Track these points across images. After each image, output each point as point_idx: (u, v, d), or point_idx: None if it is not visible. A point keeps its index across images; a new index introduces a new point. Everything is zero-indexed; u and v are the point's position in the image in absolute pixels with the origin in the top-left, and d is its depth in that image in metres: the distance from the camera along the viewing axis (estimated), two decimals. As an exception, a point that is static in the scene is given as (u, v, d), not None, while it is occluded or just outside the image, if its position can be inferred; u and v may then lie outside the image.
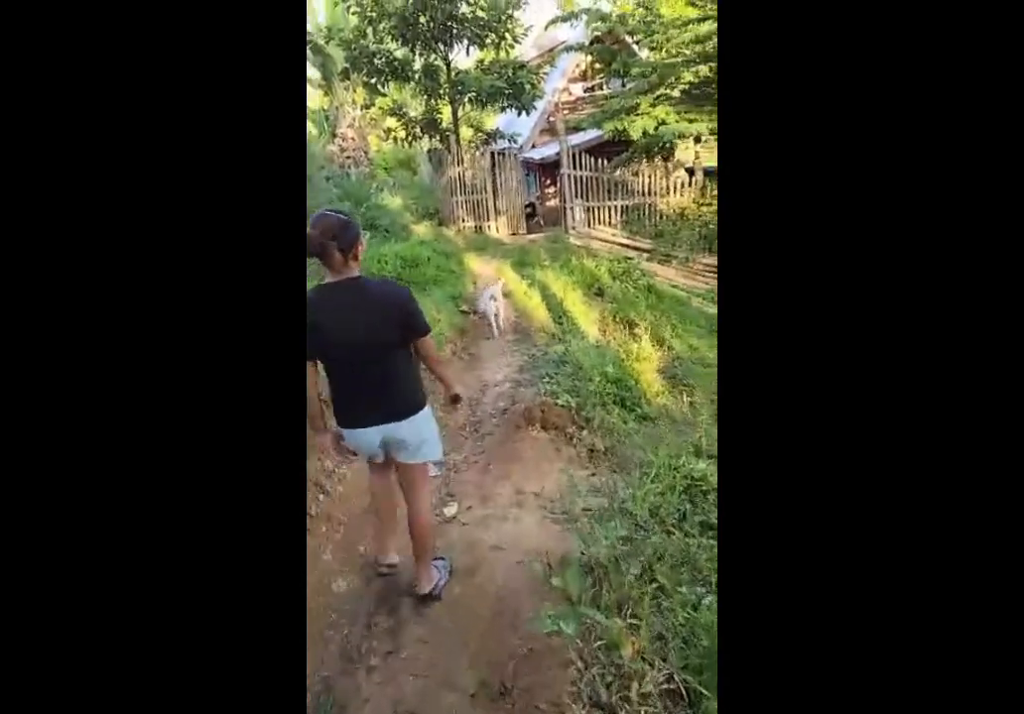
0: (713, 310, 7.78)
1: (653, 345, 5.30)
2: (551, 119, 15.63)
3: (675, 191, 9.62)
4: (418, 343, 1.96)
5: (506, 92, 9.70)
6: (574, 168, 9.78)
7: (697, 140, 11.91)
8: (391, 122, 11.47)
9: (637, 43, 9.17)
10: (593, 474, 3.19)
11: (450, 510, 2.96)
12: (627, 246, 9.21)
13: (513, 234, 10.74)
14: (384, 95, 11.78)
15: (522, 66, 9.90)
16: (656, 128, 8.34)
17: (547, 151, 14.33)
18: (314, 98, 16.10)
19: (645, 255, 9.04)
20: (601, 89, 14.68)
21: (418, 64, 10.41)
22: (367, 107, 14.40)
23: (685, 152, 12.32)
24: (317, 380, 1.97)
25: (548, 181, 16.03)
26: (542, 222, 13.79)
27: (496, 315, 5.76)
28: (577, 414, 3.72)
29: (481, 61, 10.46)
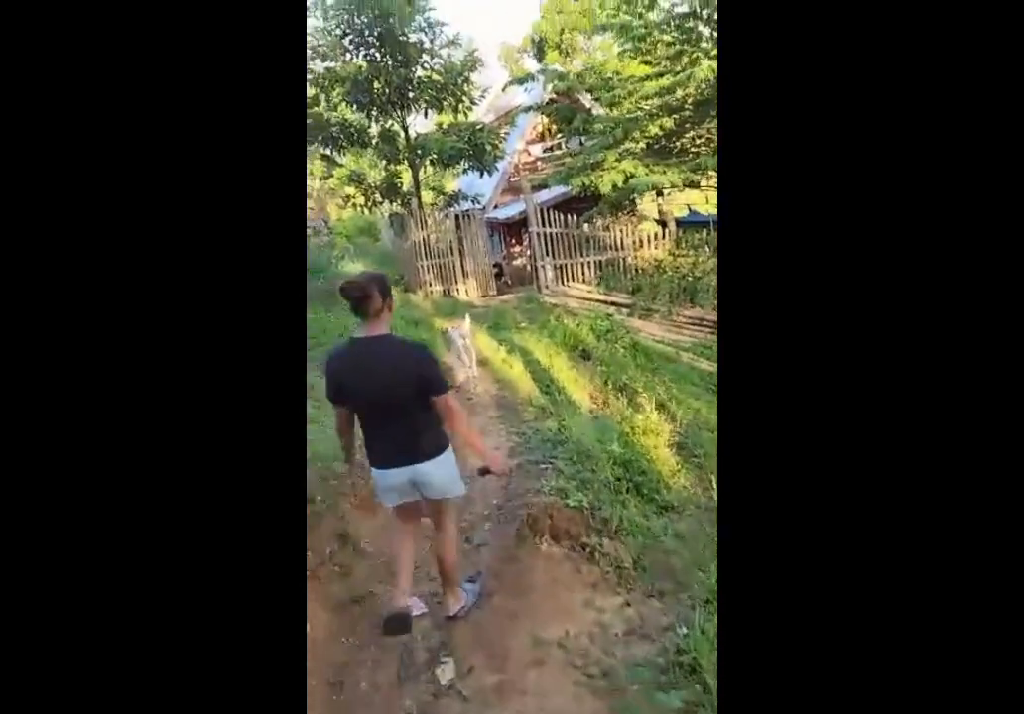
0: (705, 365, 7.29)
1: (655, 412, 4.68)
2: (512, 179, 15.61)
3: (648, 243, 9.30)
4: (435, 401, 2.07)
5: (467, 153, 9.43)
6: (542, 226, 9.43)
7: (659, 193, 11.88)
8: (350, 190, 11.08)
9: (597, 100, 9.05)
10: (627, 603, 2.47)
11: (445, 674, 2.19)
12: (605, 302, 8.76)
13: (483, 296, 10.25)
14: (341, 165, 11.46)
15: (482, 127, 9.70)
16: (625, 181, 8.07)
17: (510, 211, 14.14)
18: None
19: (625, 311, 8.59)
20: (560, 148, 14.75)
21: (375, 129, 10.15)
22: (325, 178, 14.20)
23: (652, 204, 12.22)
24: (346, 423, 2.19)
25: (513, 241, 15.81)
26: (509, 282, 13.43)
27: (468, 351, 5.58)
28: (592, 515, 3.03)
29: (440, 124, 10.26)
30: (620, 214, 9.46)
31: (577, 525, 2.95)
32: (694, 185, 11.46)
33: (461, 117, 10.11)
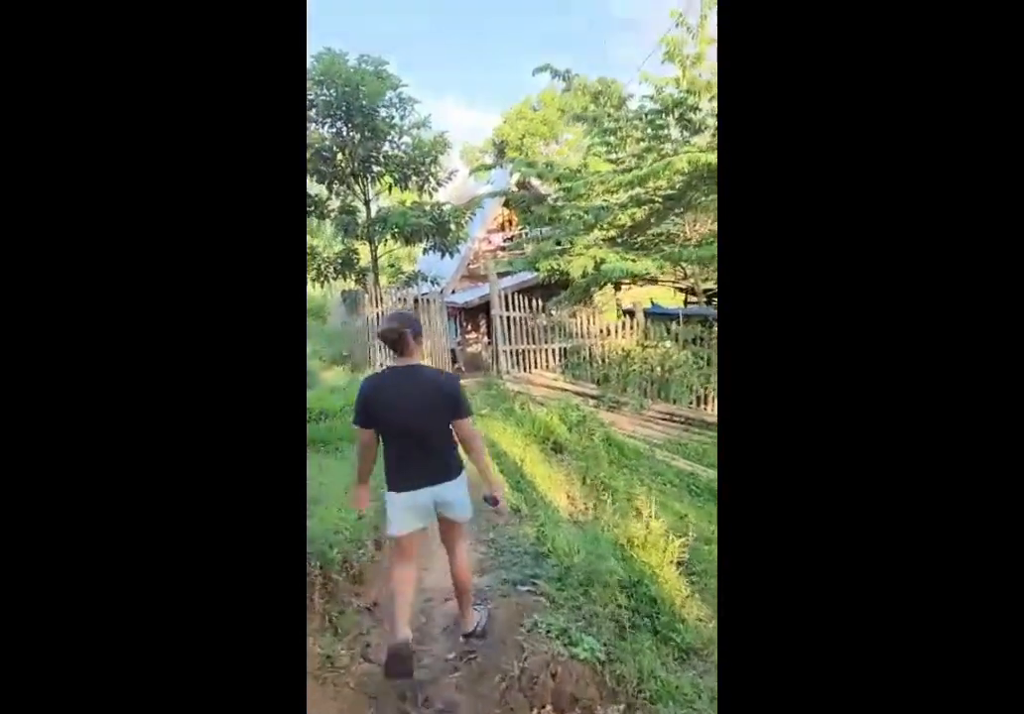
0: (680, 464, 6.64)
1: (655, 520, 3.91)
2: (471, 266, 15.44)
3: (616, 333, 8.91)
4: (457, 424, 2.31)
5: (431, 231, 9.05)
6: (506, 309, 8.96)
7: (617, 287, 11.80)
8: (301, 262, 10.46)
9: (565, 190, 8.96)
10: None
11: None
12: (571, 392, 8.15)
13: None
14: None
15: (446, 205, 9.41)
16: (596, 267, 7.76)
17: (468, 296, 13.80)
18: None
19: (592, 401, 7.99)
20: (521, 238, 14.78)
21: (335, 203, 9.73)
22: None
23: (610, 297, 12.08)
24: (372, 445, 2.35)
25: (469, 326, 15.37)
26: (463, 368, 12.84)
27: None
28: (605, 673, 2.17)
29: (403, 202, 9.95)
30: (587, 302, 9.10)
31: (587, 688, 2.08)
32: (652, 280, 11.46)
33: (426, 197, 9.85)
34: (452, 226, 9.38)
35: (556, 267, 8.08)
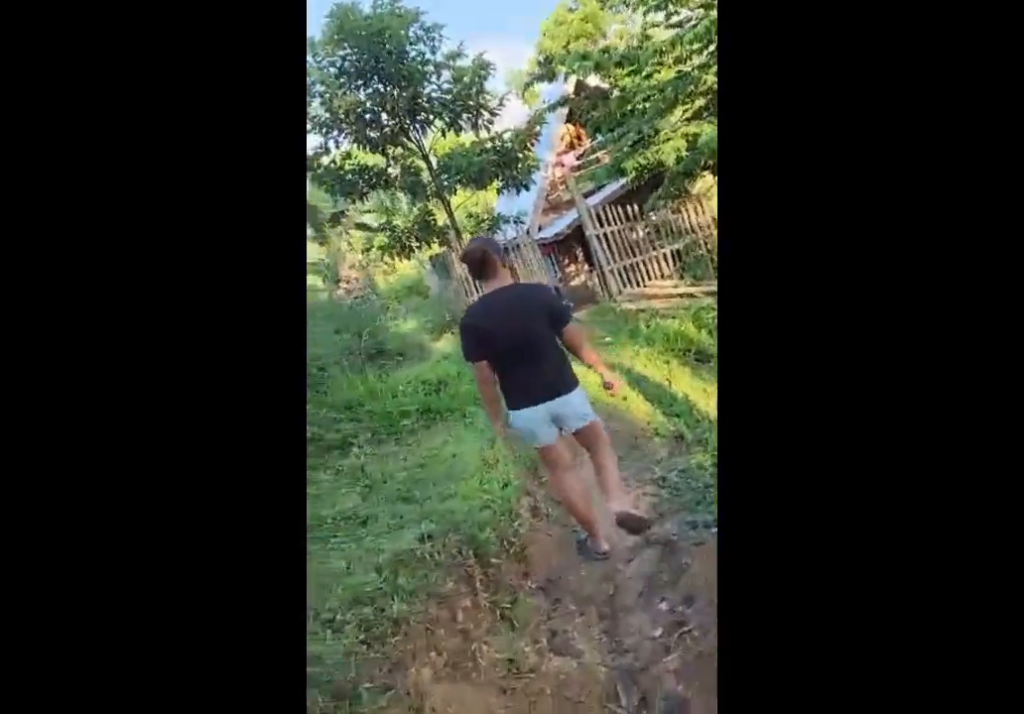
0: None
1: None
2: (550, 197, 14.49)
3: (732, 217, 7.81)
4: (564, 331, 2.29)
5: (498, 166, 8.31)
6: (601, 226, 8.10)
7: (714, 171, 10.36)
8: (381, 239, 10.21)
9: (633, 71, 7.76)
10: None
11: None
12: (697, 295, 7.24)
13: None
14: (378, 231, 10.60)
15: (507, 133, 8.58)
16: (691, 147, 6.67)
17: (556, 228, 12.96)
18: (310, 250, 15.60)
19: (725, 300, 7.05)
20: (595, 152, 13.55)
21: (395, 169, 9.26)
22: (366, 250, 13.86)
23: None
24: (489, 375, 2.31)
25: (566, 260, 14.56)
26: (571, 304, 12.20)
27: None
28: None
29: (462, 145, 9.23)
30: (688, 194, 7.95)
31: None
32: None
33: (483, 133, 9.08)
34: (519, 154, 8.57)
35: (645, 162, 7.07)
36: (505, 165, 8.44)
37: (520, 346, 2.21)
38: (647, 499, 2.94)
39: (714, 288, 7.24)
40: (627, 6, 7.98)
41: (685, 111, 7.50)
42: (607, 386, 2.49)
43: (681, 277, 7.84)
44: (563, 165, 14.24)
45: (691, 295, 7.23)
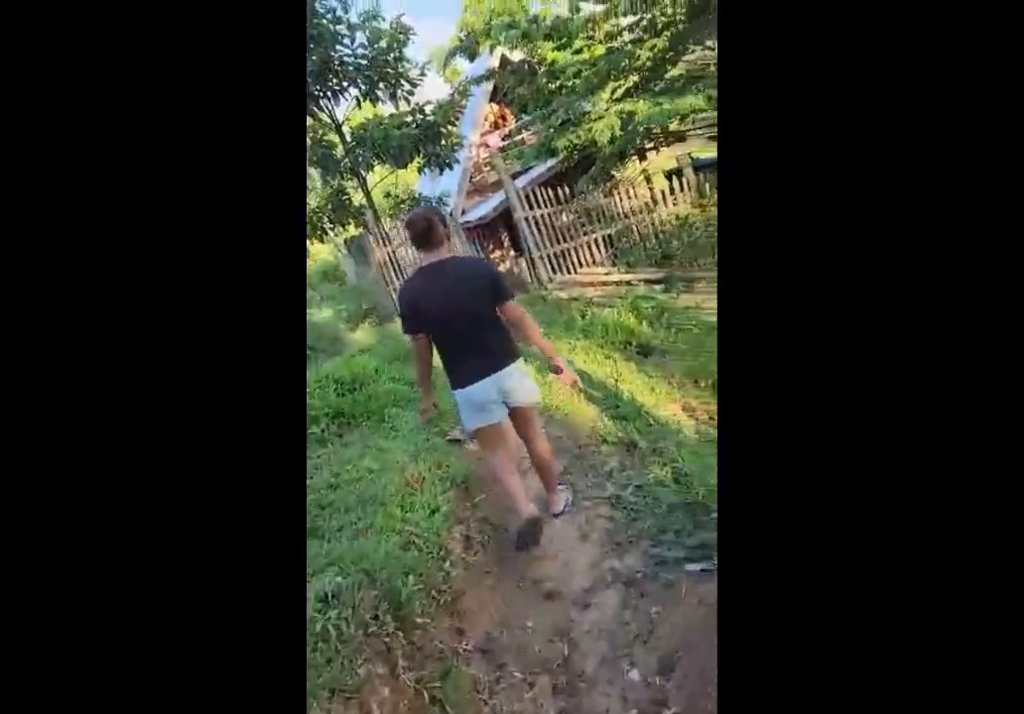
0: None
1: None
2: (474, 179, 13.88)
3: (665, 201, 7.50)
4: (506, 306, 2.23)
5: (419, 141, 7.64)
6: (530, 208, 7.63)
7: (642, 156, 10.11)
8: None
9: (562, 45, 7.30)
10: None
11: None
12: (632, 283, 6.93)
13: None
14: None
15: (427, 103, 7.90)
16: (624, 126, 6.29)
17: (481, 211, 12.41)
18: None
19: (658, 287, 6.76)
20: (520, 133, 13.05)
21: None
22: None
23: (653, 162, 10.44)
24: (426, 349, 2.30)
25: (491, 244, 14.04)
26: None
27: None
28: None
29: (379, 116, 8.44)
30: (617, 178, 7.60)
31: None
32: (680, 138, 9.73)
33: (402, 105, 8.35)
34: (443, 129, 7.92)
35: (577, 140, 6.64)
36: (427, 140, 7.76)
37: (462, 320, 2.15)
38: (600, 523, 2.51)
39: (649, 275, 6.95)
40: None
41: (617, 88, 7.12)
42: (555, 370, 2.37)
43: (614, 264, 7.51)
44: (488, 146, 13.65)
45: (628, 283, 6.91)
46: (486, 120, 14.28)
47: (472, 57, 13.07)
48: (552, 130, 7.35)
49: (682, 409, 3.60)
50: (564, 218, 7.74)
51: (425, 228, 2.15)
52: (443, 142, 8.06)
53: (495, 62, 10.32)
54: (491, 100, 13.76)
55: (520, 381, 2.29)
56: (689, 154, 8.81)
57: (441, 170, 8.70)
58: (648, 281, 6.78)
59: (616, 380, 3.86)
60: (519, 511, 2.32)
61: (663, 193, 7.61)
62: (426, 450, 3.19)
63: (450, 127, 8.05)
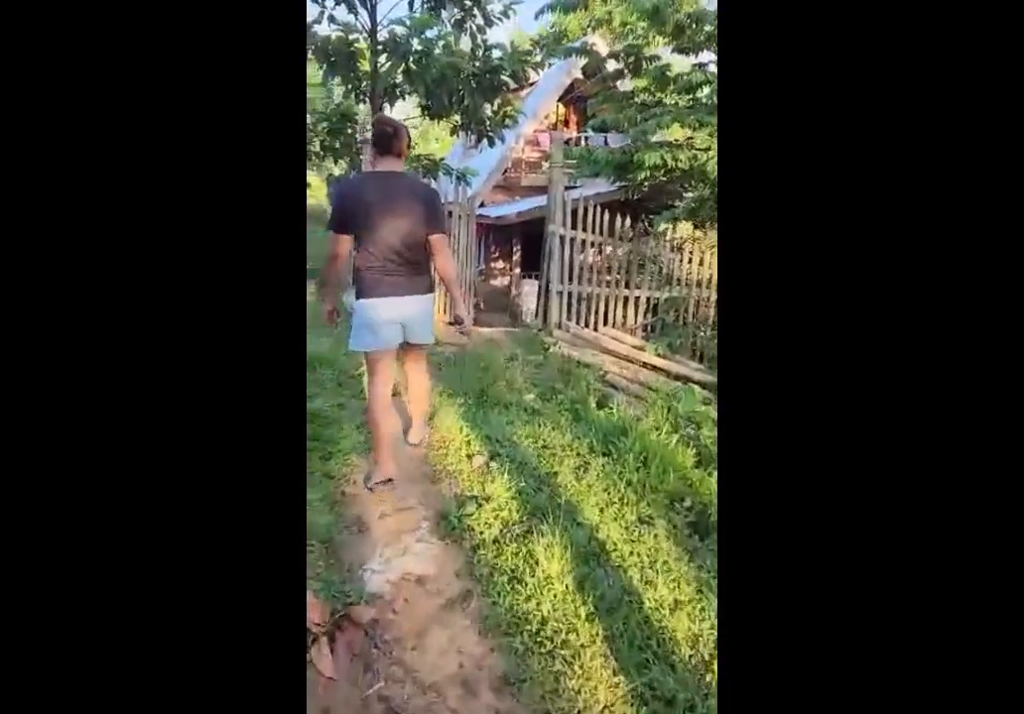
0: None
1: None
2: (508, 174, 11.92)
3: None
4: (433, 239, 2.25)
5: (469, 81, 5.59)
6: (573, 228, 5.67)
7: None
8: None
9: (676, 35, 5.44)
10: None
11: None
12: (661, 370, 5.01)
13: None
14: None
15: (496, 45, 5.85)
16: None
17: (504, 210, 10.43)
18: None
19: (699, 390, 4.85)
20: (580, 144, 11.21)
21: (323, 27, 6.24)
22: None
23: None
24: (346, 254, 2.27)
25: (497, 252, 12.04)
26: (481, 305, 9.86)
27: None
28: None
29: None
30: (708, 229, 5.73)
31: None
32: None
33: (465, 41, 6.31)
34: (504, 87, 5.91)
35: (673, 161, 4.74)
36: (479, 89, 5.73)
37: (393, 235, 2.17)
38: None
39: (690, 372, 5.04)
40: None
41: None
42: (456, 320, 2.49)
43: (646, 337, 5.59)
44: (538, 144, 11.76)
45: (660, 370, 4.97)
46: (546, 118, 12.41)
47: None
48: (640, 141, 5.45)
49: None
50: (608, 254, 5.80)
51: (391, 133, 2.17)
52: (496, 102, 6.06)
53: (598, 41, 8.42)
54: (562, 99, 11.91)
55: (425, 316, 2.36)
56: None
57: (479, 141, 6.67)
58: (686, 379, 4.86)
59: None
60: (380, 464, 2.40)
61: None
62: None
63: (514, 91, 6.06)
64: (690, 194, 5.23)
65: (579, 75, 10.96)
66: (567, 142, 11.50)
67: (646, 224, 5.69)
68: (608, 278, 5.68)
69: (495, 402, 3.67)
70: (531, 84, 12.26)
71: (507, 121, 6.49)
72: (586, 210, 5.61)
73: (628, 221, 5.70)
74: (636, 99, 6.40)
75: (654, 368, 5.04)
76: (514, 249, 11.27)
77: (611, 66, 6.66)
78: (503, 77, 5.70)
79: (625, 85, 7.01)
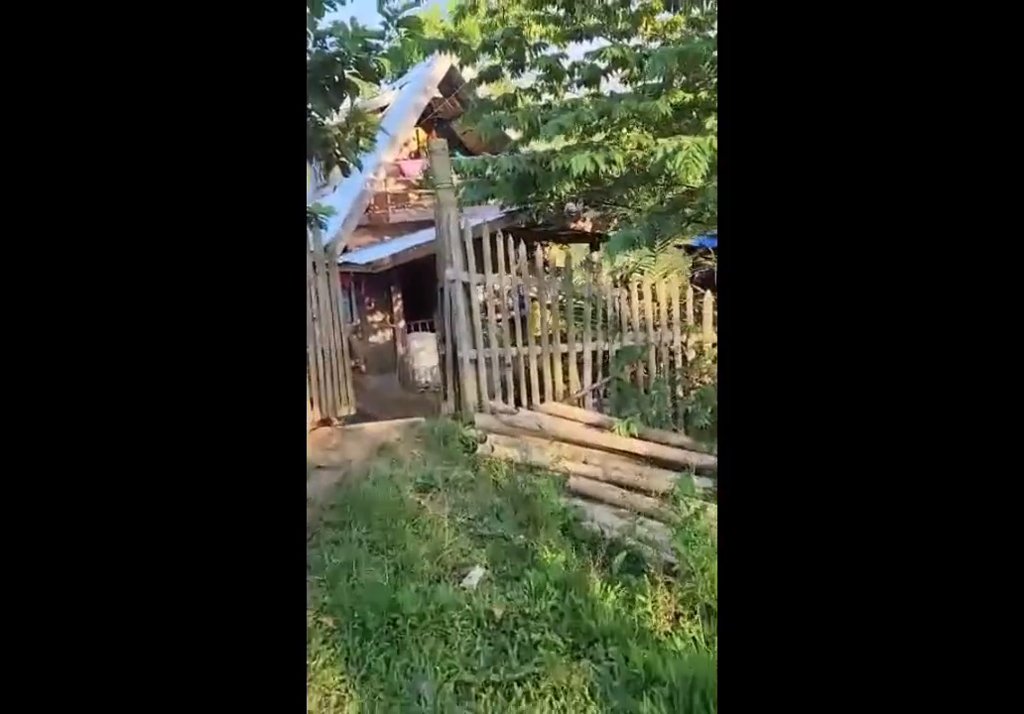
0: None
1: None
2: (374, 211, 10.19)
3: (700, 317, 4.32)
4: None
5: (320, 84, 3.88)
6: (477, 271, 4.09)
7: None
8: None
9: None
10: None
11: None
12: (627, 453, 3.52)
13: (325, 422, 4.31)
14: None
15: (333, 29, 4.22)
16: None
17: (374, 253, 8.68)
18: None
19: (696, 479, 3.37)
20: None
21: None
22: None
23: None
24: None
25: (372, 302, 10.18)
26: (363, 368, 8.12)
27: None
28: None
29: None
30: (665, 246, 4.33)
31: None
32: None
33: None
34: (350, 86, 4.25)
35: (605, 164, 3.34)
36: (314, 92, 4.03)
37: None
38: None
39: (666, 451, 3.58)
40: None
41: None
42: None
43: (599, 406, 4.09)
44: (403, 173, 10.17)
45: (645, 458, 3.46)
46: (406, 145, 10.89)
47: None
48: (563, 143, 4.03)
49: None
50: (533, 299, 4.28)
51: None
52: (343, 111, 4.40)
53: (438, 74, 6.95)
54: (419, 122, 10.45)
55: None
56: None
57: (329, 170, 4.93)
58: (681, 466, 3.38)
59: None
60: None
61: (695, 308, 4.43)
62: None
63: (365, 85, 4.42)
64: (646, 204, 3.85)
65: (437, 93, 9.61)
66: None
67: (566, 253, 4.23)
68: (536, 332, 4.14)
69: (403, 629, 1.90)
70: (381, 109, 10.71)
71: (362, 141, 4.84)
72: (493, 243, 4.06)
73: (548, 251, 4.23)
74: (522, 102, 5.06)
75: (628, 454, 3.54)
76: (393, 298, 9.52)
77: (485, 63, 5.24)
78: (346, 72, 4.05)
79: (504, 88, 5.65)
